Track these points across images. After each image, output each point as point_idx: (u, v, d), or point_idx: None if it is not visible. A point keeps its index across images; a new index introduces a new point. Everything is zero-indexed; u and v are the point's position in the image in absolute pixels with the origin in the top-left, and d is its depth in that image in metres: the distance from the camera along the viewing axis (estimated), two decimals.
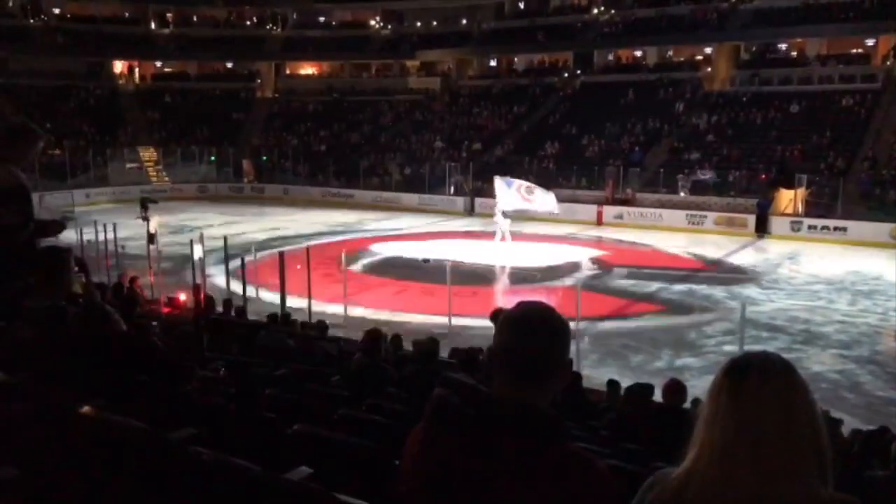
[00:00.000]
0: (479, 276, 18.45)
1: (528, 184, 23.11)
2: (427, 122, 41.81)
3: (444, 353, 8.93)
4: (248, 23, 50.46)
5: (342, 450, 2.79)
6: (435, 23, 47.29)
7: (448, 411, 1.53)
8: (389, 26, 48.65)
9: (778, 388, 1.43)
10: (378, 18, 49.05)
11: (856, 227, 24.50)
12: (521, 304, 1.64)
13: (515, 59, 45.03)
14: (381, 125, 42.83)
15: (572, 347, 1.83)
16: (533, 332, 1.57)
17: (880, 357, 12.94)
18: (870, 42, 35.00)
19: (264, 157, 40.62)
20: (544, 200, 22.51)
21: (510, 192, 22.55)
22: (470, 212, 32.32)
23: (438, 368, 5.87)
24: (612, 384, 8.08)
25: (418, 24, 47.95)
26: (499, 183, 23.06)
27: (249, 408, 3.54)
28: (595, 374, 10.67)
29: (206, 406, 3.33)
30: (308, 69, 50.87)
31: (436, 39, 46.05)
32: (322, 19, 50.39)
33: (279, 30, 50.17)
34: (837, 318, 15.53)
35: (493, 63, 46.37)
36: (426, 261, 20.01)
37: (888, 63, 33.82)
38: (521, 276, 19.22)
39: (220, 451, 2.38)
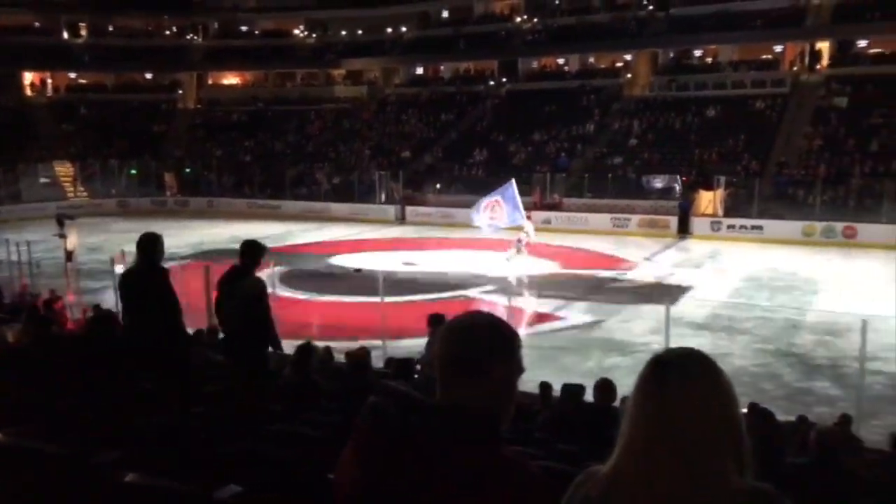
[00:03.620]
0: (415, 285, 18.38)
1: (491, 202, 21.60)
2: (355, 130, 41.65)
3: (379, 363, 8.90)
4: (168, 32, 49.25)
5: (274, 465, 2.74)
6: (360, 32, 47.20)
7: (382, 419, 1.52)
8: (314, 35, 48.30)
9: (699, 383, 1.47)
10: (302, 28, 48.63)
11: (771, 226, 25.58)
12: (464, 313, 1.66)
13: (441, 67, 45.34)
14: (308, 134, 42.45)
15: None
16: (472, 341, 1.58)
17: (797, 349, 13.51)
18: (778, 48, 36.69)
19: (187, 170, 39.64)
20: (511, 214, 21.13)
21: (481, 216, 21.46)
22: (401, 220, 32.30)
23: (372, 379, 5.84)
24: (545, 386, 8.18)
25: (343, 33, 47.77)
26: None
27: (177, 426, 3.44)
28: (528, 377, 10.77)
29: (132, 426, 3.22)
30: (231, 79, 50.01)
31: (361, 48, 45.97)
32: (245, 29, 49.66)
33: (200, 40, 49.15)
34: (757, 313, 16.15)
35: (419, 71, 46.57)
36: (358, 271, 19.87)
37: (795, 68, 35.54)
38: (455, 284, 19.28)
39: (148, 472, 2.31)
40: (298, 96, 46.48)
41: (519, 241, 21.01)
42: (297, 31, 48.73)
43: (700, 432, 1.43)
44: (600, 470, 1.52)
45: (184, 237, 26.67)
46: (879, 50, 34.43)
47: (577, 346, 13.81)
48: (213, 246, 24.33)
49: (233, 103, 46.80)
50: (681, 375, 1.48)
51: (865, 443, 7.35)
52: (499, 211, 21.10)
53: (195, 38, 49.08)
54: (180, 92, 47.53)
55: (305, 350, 5.76)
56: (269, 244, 25.90)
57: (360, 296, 15.99)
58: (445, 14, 46.34)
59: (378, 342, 11.95)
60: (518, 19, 42.91)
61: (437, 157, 36.93)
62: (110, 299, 14.37)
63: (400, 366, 6.92)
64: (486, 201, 21.46)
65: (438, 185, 33.84)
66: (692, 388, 1.46)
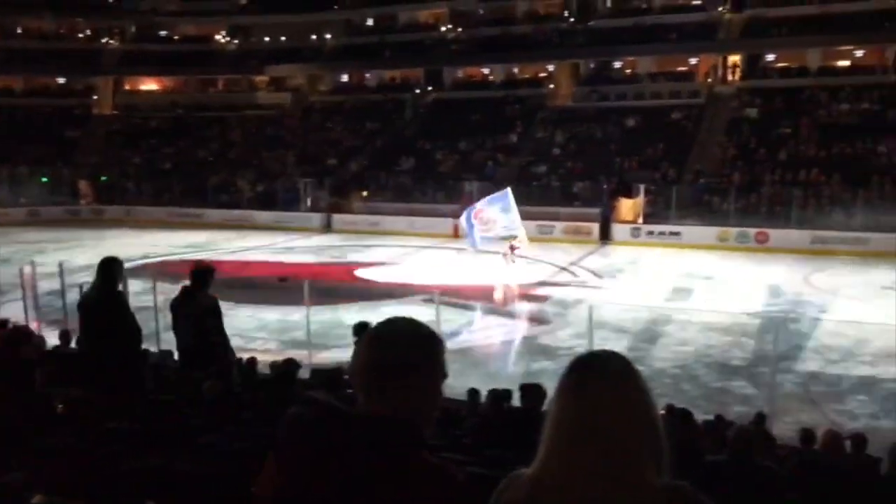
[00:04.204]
0: (341, 294, 18.22)
1: (482, 211, 20.67)
2: (279, 137, 41.06)
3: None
4: (82, 35, 47.44)
5: (193, 480, 2.65)
6: (283, 38, 46.60)
7: (303, 430, 1.49)
8: (236, 41, 47.41)
9: (617, 385, 1.51)
10: (224, 33, 47.65)
11: (688, 232, 26.48)
12: (385, 319, 1.64)
13: (367, 74, 45.21)
14: (231, 141, 41.61)
15: None
16: (394, 346, 1.57)
17: (714, 351, 13.99)
18: (693, 61, 38.10)
19: (103, 177, 38.23)
20: (506, 223, 20.35)
21: (474, 232, 20.48)
22: (327, 228, 31.97)
23: (297, 390, 5.74)
24: (473, 393, 8.21)
25: (266, 39, 47.06)
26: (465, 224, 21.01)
27: (93, 443, 3.30)
28: (456, 383, 10.80)
29: (42, 446, 3.07)
30: (150, 84, 48.55)
31: (285, 55, 45.40)
32: (164, 33, 48.31)
33: (117, 43, 47.54)
34: (676, 316, 16.66)
35: (344, 78, 46.30)
36: (283, 280, 19.54)
37: (709, 80, 36.99)
38: (382, 293, 19.20)
39: (56, 492, 2.19)
40: (220, 103, 45.52)
41: (511, 248, 20.45)
42: (218, 37, 47.72)
43: (620, 432, 1.46)
44: (524, 473, 1.53)
45: (102, 248, 25.67)
46: (786, 64, 36.20)
47: (505, 352, 13.94)
48: (134, 256, 23.51)
49: (151, 109, 45.47)
50: (599, 377, 1.51)
51: (778, 439, 7.66)
52: (491, 221, 20.32)
53: (111, 41, 47.45)
54: (95, 97, 45.86)
55: (227, 362, 5.62)
56: (191, 253, 25.21)
57: (286, 305, 15.73)
58: (370, 22, 46.26)
59: (304, 353, 11.77)
60: (443, 28, 43.21)
61: (364, 165, 36.77)
62: (19, 313, 13.69)
63: (327, 376, 6.82)
64: (472, 211, 20.58)
65: (365, 193, 33.67)
66: (611, 389, 1.49)
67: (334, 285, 19.10)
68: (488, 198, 20.85)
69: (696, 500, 1.46)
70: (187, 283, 6.51)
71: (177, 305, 6.44)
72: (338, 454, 1.44)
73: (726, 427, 6.75)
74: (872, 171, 27.21)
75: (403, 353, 1.56)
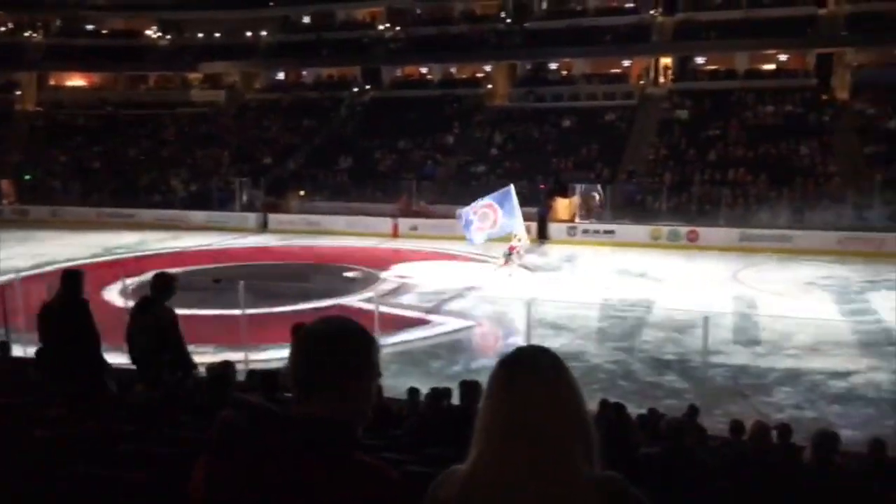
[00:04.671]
0: (278, 296, 17.92)
1: (483, 208, 20.55)
2: (213, 135, 40.19)
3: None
4: (3, 29, 45.50)
5: (121, 488, 2.57)
6: (218, 34, 45.63)
7: (234, 433, 1.46)
8: (168, 37, 46.20)
9: (547, 380, 1.53)
10: (155, 28, 46.38)
11: (622, 231, 27.05)
12: (318, 319, 1.63)
13: (304, 72, 44.69)
14: (163, 139, 40.53)
15: None
16: (326, 346, 1.56)
17: (647, 346, 14.33)
18: (626, 63, 38.92)
19: (27, 176, 36.76)
20: (506, 221, 20.27)
21: (472, 227, 20.45)
22: (263, 228, 31.48)
23: (233, 392, 5.63)
24: (412, 392, 8.22)
25: (200, 35, 45.99)
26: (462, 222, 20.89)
27: (13, 452, 3.17)
28: (396, 383, 10.79)
29: None
30: (77, 80, 46.85)
31: (219, 51, 44.45)
32: (91, 27, 46.70)
33: (41, 37, 45.75)
34: (611, 313, 17.01)
35: (280, 76, 45.64)
36: (217, 281, 19.12)
37: (642, 82, 37.87)
38: (318, 293, 19.00)
39: None
40: (152, 100, 44.28)
41: (511, 248, 20.45)
42: (149, 32, 46.42)
43: (550, 427, 1.48)
44: (458, 470, 1.54)
45: (26, 248, 24.72)
46: (715, 67, 37.33)
47: (446, 351, 13.98)
48: (60, 258, 22.68)
49: (78, 106, 43.88)
50: (529, 373, 1.53)
51: (709, 431, 7.90)
52: (492, 218, 20.23)
53: (34, 35, 45.63)
54: (18, 93, 44.04)
55: (159, 365, 5.48)
56: (121, 254, 24.33)
57: (222, 308, 15.40)
58: (307, 19, 45.71)
59: (241, 355, 11.56)
60: (380, 27, 43.04)
61: (301, 164, 36.33)
62: None
63: (263, 378, 6.71)
64: (474, 207, 20.53)
65: (302, 192, 33.26)
66: (540, 384, 1.52)
67: (271, 286, 18.80)
68: (490, 195, 20.83)
69: (627, 490, 1.50)
70: (147, 293, 6.51)
71: (135, 313, 6.45)
72: (270, 457, 1.42)
73: (659, 420, 6.93)
74: (796, 172, 28.31)
75: (336, 353, 1.55)
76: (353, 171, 34.29)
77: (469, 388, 5.96)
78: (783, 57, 36.44)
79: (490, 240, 20.73)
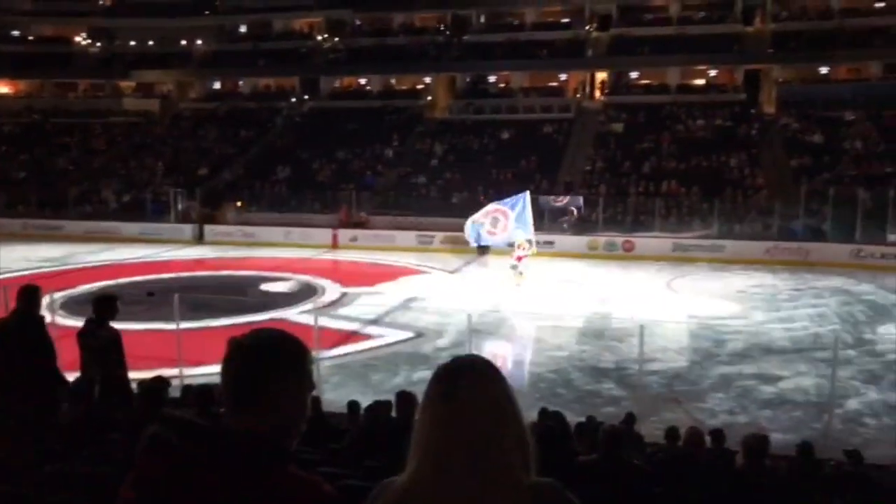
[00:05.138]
0: (215, 309, 17.55)
1: (494, 212, 20.60)
2: (147, 145, 39.22)
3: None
4: None
5: None
6: (151, 42, 44.63)
7: (162, 450, 1.41)
8: (99, 44, 44.95)
9: (484, 389, 1.53)
10: (85, 35, 45.08)
11: (560, 241, 27.40)
12: (251, 331, 1.59)
13: (240, 82, 44.05)
14: (94, 149, 39.31)
15: (315, 373, 1.80)
16: (257, 358, 1.52)
17: (586, 355, 14.53)
18: (563, 77, 39.65)
19: None
20: (514, 229, 20.30)
21: (476, 226, 20.72)
22: (199, 239, 30.80)
23: (163, 408, 5.47)
24: (352, 405, 8.13)
25: (132, 43, 44.90)
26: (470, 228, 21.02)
27: None
28: (337, 396, 10.68)
29: None
30: (2, 87, 45.14)
31: (152, 59, 43.51)
32: (16, 33, 45.11)
33: None
34: (551, 322, 17.21)
35: (216, 86, 44.87)
36: (151, 294, 18.62)
37: (578, 96, 38.62)
38: (256, 306, 18.68)
39: None
40: (82, 108, 42.95)
41: (519, 258, 20.18)
42: (79, 39, 45.08)
43: (487, 434, 1.48)
44: (395, 481, 1.53)
45: None
46: (648, 81, 38.37)
47: (386, 363, 13.89)
48: None
49: (3, 114, 42.25)
50: (465, 382, 1.53)
51: (646, 438, 8.05)
52: (501, 224, 20.21)
53: None
54: None
55: (87, 380, 5.29)
56: (49, 267, 23.53)
57: (156, 322, 14.98)
58: (243, 28, 45.14)
59: (175, 371, 11.25)
60: (318, 38, 42.79)
61: (238, 174, 35.73)
62: None
63: (198, 393, 6.54)
64: (487, 209, 20.45)
65: (239, 203, 32.70)
66: (477, 393, 1.52)
67: (207, 298, 18.40)
68: (505, 200, 20.82)
69: (562, 496, 1.51)
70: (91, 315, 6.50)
71: (81, 335, 6.45)
72: (200, 473, 1.38)
73: (597, 428, 7.02)
74: (725, 183, 29.24)
75: (268, 365, 1.51)
76: (291, 181, 33.90)
77: (405, 399, 5.94)
78: (713, 72, 37.68)
79: (491, 249, 20.85)
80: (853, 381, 12.34)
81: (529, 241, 20.33)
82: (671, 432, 7.32)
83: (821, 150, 30.57)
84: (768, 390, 12.28)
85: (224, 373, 1.54)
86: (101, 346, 6.30)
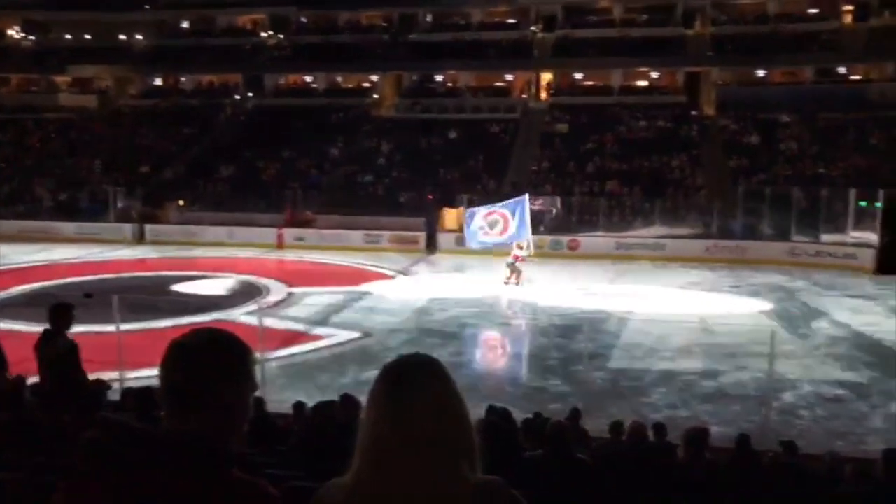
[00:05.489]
0: (156, 310, 17.11)
1: (494, 213, 20.43)
2: (84, 142, 38.06)
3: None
4: None
5: None
6: (88, 36, 43.33)
7: (99, 455, 1.37)
8: (33, 37, 43.44)
9: (429, 387, 1.53)
10: (18, 28, 43.50)
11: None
12: (191, 332, 1.55)
13: (182, 78, 43.11)
14: (27, 146, 38.00)
15: (258, 374, 1.76)
16: (196, 358, 1.49)
17: (534, 351, 14.68)
18: (509, 77, 39.95)
19: None
20: (514, 232, 20.19)
21: (473, 227, 20.51)
22: (139, 239, 30.05)
23: (100, 413, 5.32)
24: (298, 406, 8.04)
25: (68, 36, 43.53)
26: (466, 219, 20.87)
27: None
28: (283, 398, 10.54)
29: None
30: None
31: (90, 54, 42.23)
32: None
33: None
34: (498, 320, 17.33)
35: (157, 82, 43.83)
36: (88, 296, 18.04)
37: (524, 96, 38.97)
38: (200, 306, 18.30)
39: None
40: (14, 103, 41.48)
41: (516, 258, 20.15)
42: (11, 32, 43.49)
43: (434, 432, 1.48)
44: (340, 481, 1.51)
45: None
46: (592, 83, 38.95)
47: (334, 363, 13.77)
48: None
49: None
50: (409, 381, 1.53)
51: (591, 432, 8.16)
52: (500, 226, 20.15)
53: None
54: None
55: (16, 385, 5.11)
56: None
57: (94, 324, 14.54)
58: (186, 24, 44.19)
59: (115, 374, 10.95)
60: (263, 35, 42.19)
61: (180, 173, 34.97)
62: None
63: (138, 396, 6.38)
64: (485, 210, 20.37)
65: (181, 202, 32.01)
66: (421, 391, 1.52)
67: (147, 299, 17.95)
68: (503, 203, 20.85)
69: (507, 493, 1.52)
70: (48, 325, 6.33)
71: (38, 346, 6.30)
72: (138, 477, 1.34)
73: (543, 424, 7.09)
74: (667, 184, 29.89)
75: (207, 365, 1.48)
76: (234, 180, 33.35)
77: (349, 400, 5.91)
78: (655, 74, 38.46)
79: (490, 249, 21.17)
80: (789, 375, 12.74)
81: (527, 243, 20.64)
82: (615, 427, 7.44)
83: (757, 151, 31.52)
84: (709, 385, 12.58)
85: (162, 374, 1.50)
86: (59, 354, 6.17)
